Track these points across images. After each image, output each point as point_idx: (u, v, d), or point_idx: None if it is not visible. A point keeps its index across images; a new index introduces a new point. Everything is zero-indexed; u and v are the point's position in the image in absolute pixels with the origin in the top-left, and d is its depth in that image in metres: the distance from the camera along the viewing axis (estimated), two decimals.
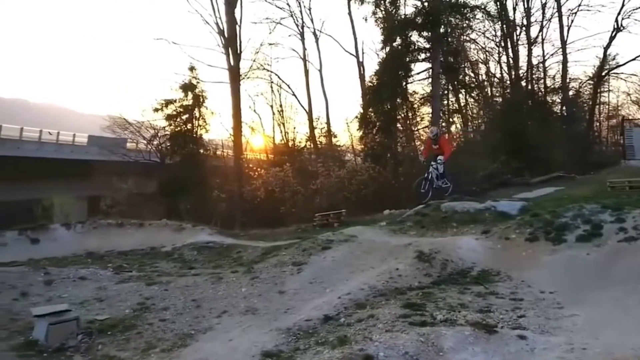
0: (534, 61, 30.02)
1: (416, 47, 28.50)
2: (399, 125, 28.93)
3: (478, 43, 31.29)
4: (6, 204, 28.34)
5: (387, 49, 28.42)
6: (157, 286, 9.77)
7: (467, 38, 30.77)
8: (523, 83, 29.98)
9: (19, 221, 16.11)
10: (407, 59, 28.18)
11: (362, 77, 31.92)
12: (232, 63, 28.42)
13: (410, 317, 6.44)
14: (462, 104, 32.53)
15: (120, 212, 22.88)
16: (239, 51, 28.65)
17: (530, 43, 29.74)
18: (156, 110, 28.33)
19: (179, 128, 28.36)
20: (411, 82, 29.61)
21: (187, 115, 28.48)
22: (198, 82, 28.77)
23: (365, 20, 31.18)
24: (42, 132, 33.75)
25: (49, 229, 15.03)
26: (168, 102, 28.29)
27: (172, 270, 11.47)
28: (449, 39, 28.99)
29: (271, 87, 32.68)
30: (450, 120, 31.92)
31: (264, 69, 31.70)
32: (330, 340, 6.13)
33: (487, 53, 31.72)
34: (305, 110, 32.34)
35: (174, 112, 28.35)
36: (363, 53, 32.36)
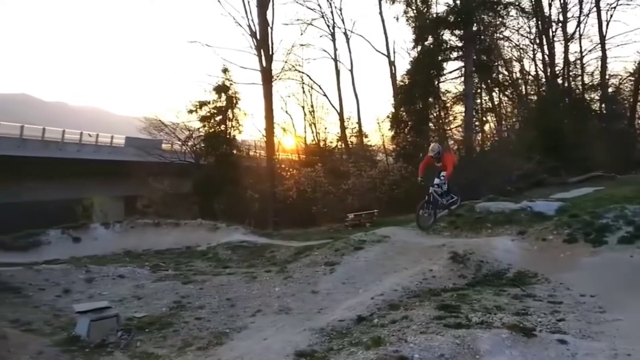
0: (571, 58, 29.20)
1: (448, 46, 28.22)
2: (431, 124, 28.65)
3: (512, 40, 30.69)
4: (50, 204, 29.46)
5: (419, 48, 28.22)
6: (193, 285, 9.98)
7: (501, 36, 30.22)
8: (559, 80, 29.20)
9: (61, 220, 16.73)
10: (439, 57, 27.89)
11: (393, 76, 31.80)
12: (264, 64, 28.72)
13: (444, 319, 6.37)
14: (496, 103, 31.97)
15: (156, 212, 23.40)
16: (270, 52, 28.93)
17: (567, 39, 28.92)
18: (190, 111, 28.88)
19: (212, 129, 28.78)
20: (443, 81, 29.36)
21: (220, 117, 28.88)
22: (231, 84, 29.17)
23: (397, 19, 31.07)
24: (82, 134, 34.88)
25: (89, 228, 15.53)
26: (202, 104, 28.76)
27: (207, 269, 11.68)
28: (482, 37, 28.54)
29: (302, 87, 32.91)
30: (484, 119, 31.41)
31: (296, 69, 31.96)
32: (364, 341, 6.12)
33: (521, 50, 31.04)
34: (336, 110, 32.44)
35: (208, 114, 28.81)
36: (394, 52, 32.23)
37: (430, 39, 27.81)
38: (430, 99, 28.17)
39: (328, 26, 32.66)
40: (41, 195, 30.22)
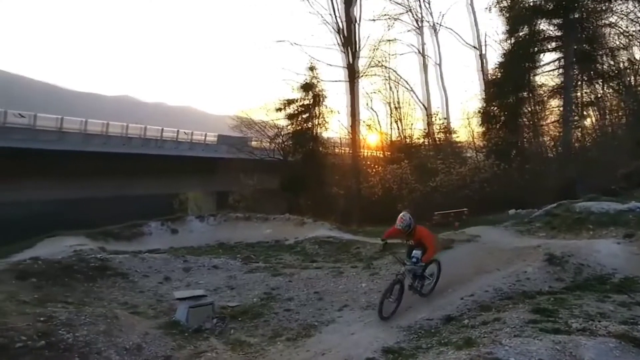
0: None
1: (545, 36, 26.55)
2: (525, 119, 27.19)
3: (619, 27, 28.14)
4: (151, 198, 31.72)
5: (512, 39, 26.85)
6: (282, 277, 10.30)
7: (606, 22, 27.85)
8: None
9: (160, 213, 17.93)
10: (535, 48, 26.35)
11: (483, 70, 30.53)
12: (349, 61, 28.80)
13: (540, 323, 6.05)
14: (598, 95, 29.56)
15: (246, 207, 24.30)
16: (356, 49, 28.96)
17: None
18: (278, 109, 29.59)
19: (299, 127, 29.32)
20: (539, 74, 27.63)
21: (307, 114, 29.33)
22: (317, 82, 29.49)
23: (489, 10, 29.64)
24: (178, 132, 37.05)
25: (185, 221, 16.50)
26: (289, 102, 29.36)
27: (295, 263, 12.00)
28: (584, 25, 26.53)
29: (388, 83, 32.50)
30: (584, 113, 29.19)
31: (381, 65, 31.62)
32: (454, 341, 5.99)
33: (630, 37, 28.39)
34: (422, 106, 31.77)
35: (295, 112, 29.38)
36: (485, 45, 30.90)
37: (525, 30, 26.36)
38: (523, 93, 26.73)
39: (415, 20, 32.00)
40: (143, 189, 32.60)
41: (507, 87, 25.98)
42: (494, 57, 34.86)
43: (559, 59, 26.82)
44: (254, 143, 33.12)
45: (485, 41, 30.89)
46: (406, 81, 32.15)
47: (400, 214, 8.29)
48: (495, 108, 26.97)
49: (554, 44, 26.82)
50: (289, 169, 28.82)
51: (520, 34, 26.56)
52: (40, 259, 10.10)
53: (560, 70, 26.60)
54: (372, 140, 33.74)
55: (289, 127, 29.95)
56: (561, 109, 26.56)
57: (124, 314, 7.60)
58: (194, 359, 6.68)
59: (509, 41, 27.23)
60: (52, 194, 28.54)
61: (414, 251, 8.16)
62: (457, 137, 31.52)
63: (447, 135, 31.16)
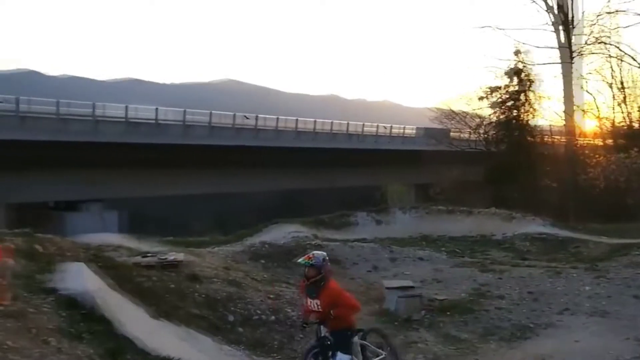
0: None
1: None
2: None
3: None
4: (353, 189, 33.65)
5: None
6: (491, 274, 9.86)
7: None
8: None
9: (362, 204, 18.73)
10: None
11: None
12: (563, 41, 26.06)
13: None
14: None
15: (447, 199, 23.78)
16: (571, 26, 25.99)
17: None
18: (481, 98, 28.28)
19: (504, 115, 27.65)
20: None
21: (512, 102, 27.48)
22: (524, 66, 27.34)
23: None
24: (378, 127, 38.43)
25: (389, 212, 16.87)
26: (493, 90, 27.84)
27: (504, 260, 11.42)
28: None
29: (611, 62, 28.28)
30: None
31: (601, 42, 27.67)
32: None
33: None
34: None
35: (499, 100, 27.76)
36: None
37: None
38: None
39: None
40: (346, 181, 34.79)
41: None
42: None
43: None
44: (452, 134, 32.37)
45: None
46: (632, 57, 27.56)
47: (312, 252, 5.52)
48: None
49: None
50: (493, 160, 27.43)
51: None
52: (267, 242, 11.46)
53: None
54: (589, 126, 30.05)
55: (492, 115, 28.46)
56: None
57: None
58: (405, 348, 6.84)
59: None
60: (270, 185, 32.37)
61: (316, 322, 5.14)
62: None
63: None
